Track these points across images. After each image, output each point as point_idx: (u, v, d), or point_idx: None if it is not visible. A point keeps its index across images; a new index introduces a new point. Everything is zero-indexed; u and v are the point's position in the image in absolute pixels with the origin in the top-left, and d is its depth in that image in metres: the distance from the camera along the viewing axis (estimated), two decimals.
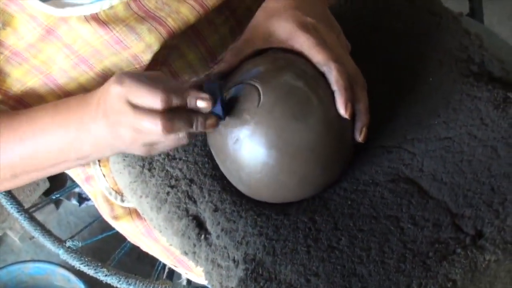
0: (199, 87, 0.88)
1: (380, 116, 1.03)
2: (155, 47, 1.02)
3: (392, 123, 1.03)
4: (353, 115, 0.92)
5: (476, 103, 1.02)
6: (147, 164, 1.03)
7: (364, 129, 0.94)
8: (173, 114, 0.85)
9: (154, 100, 0.83)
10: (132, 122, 0.85)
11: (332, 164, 0.93)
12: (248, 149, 0.90)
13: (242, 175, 0.93)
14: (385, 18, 1.14)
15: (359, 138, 0.94)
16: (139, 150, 0.89)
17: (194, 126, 0.86)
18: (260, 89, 0.90)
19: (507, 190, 0.93)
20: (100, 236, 1.41)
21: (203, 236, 0.96)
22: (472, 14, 1.42)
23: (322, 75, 0.92)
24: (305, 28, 0.93)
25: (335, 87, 0.91)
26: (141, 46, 1.01)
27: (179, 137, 0.87)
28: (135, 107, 0.84)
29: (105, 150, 0.94)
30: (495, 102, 1.01)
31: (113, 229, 1.27)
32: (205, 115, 0.87)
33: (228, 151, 0.91)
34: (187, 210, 0.99)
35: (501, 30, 2.23)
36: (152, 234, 1.18)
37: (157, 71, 0.98)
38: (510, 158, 0.96)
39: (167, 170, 1.02)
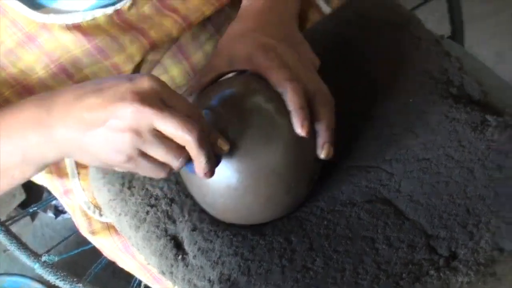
0: None
1: (359, 135, 1.04)
2: (137, 58, 1.03)
3: (371, 143, 1.04)
4: (314, 133, 0.93)
5: (454, 125, 1.03)
6: (127, 182, 1.04)
7: (326, 145, 0.93)
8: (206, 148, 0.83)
9: (187, 137, 0.81)
10: (153, 146, 0.81)
11: (297, 184, 0.94)
12: None
13: (208, 200, 0.94)
14: (366, 38, 1.15)
15: (322, 155, 0.94)
16: (120, 168, 0.85)
17: (209, 160, 0.85)
18: (222, 114, 0.90)
19: (481, 212, 0.94)
20: (76, 251, 1.41)
21: (180, 256, 0.97)
22: (453, 36, 1.42)
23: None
24: (264, 49, 0.93)
25: (290, 107, 0.91)
26: (123, 56, 1.02)
27: (169, 165, 0.85)
28: (160, 134, 0.81)
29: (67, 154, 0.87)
30: (473, 124, 1.02)
31: (90, 243, 1.27)
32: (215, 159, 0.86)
33: (193, 176, 0.92)
34: (166, 230, 0.99)
35: (481, 51, 2.24)
36: (130, 250, 1.18)
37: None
38: (485, 180, 0.96)
39: (147, 189, 1.03)
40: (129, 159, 0.82)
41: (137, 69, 1.04)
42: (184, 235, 0.98)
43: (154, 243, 0.99)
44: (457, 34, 1.42)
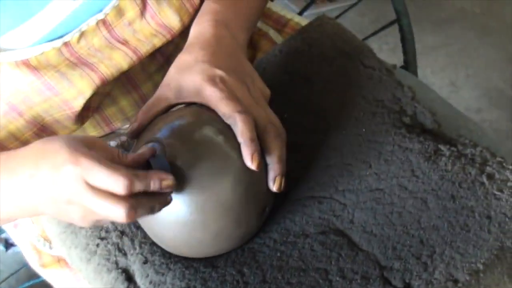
0: (143, 160, 0.85)
1: (312, 166, 1.03)
2: (87, 93, 1.01)
3: (324, 173, 1.03)
4: (264, 165, 0.92)
5: (407, 155, 1.03)
6: None
7: (277, 178, 0.92)
8: (136, 201, 0.80)
9: (116, 185, 0.78)
10: (90, 204, 0.80)
11: (248, 217, 0.92)
12: None
13: (157, 233, 0.92)
14: (317, 68, 1.15)
15: (273, 187, 0.93)
16: (84, 224, 0.85)
17: (154, 210, 0.82)
18: (171, 145, 0.89)
19: (435, 243, 0.93)
20: (27, 284, 1.38)
21: None
22: (406, 66, 1.43)
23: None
24: (212, 81, 0.91)
25: (240, 139, 0.89)
26: (73, 92, 1.00)
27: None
28: (94, 189, 0.79)
29: (35, 212, 0.89)
30: (426, 154, 1.02)
31: (40, 276, 1.24)
32: (164, 197, 0.84)
33: None
34: (116, 263, 0.97)
35: (434, 81, 2.28)
36: (82, 282, 1.15)
37: (92, 136, 0.96)
38: (439, 210, 0.96)
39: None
40: (82, 216, 0.84)
41: (87, 102, 1.02)
42: (136, 268, 0.96)
43: (105, 275, 0.97)
44: (410, 64, 1.42)
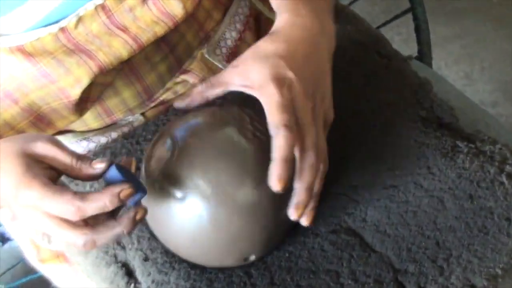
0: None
1: None
2: (85, 81, 0.96)
3: (337, 168, 0.98)
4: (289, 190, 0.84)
5: (423, 150, 0.98)
6: None
7: (299, 206, 0.84)
8: (94, 229, 0.76)
9: (66, 214, 0.75)
10: (49, 231, 0.77)
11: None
12: (181, 214, 0.84)
13: (173, 241, 0.88)
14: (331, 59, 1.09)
15: (292, 215, 0.84)
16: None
17: (123, 231, 0.78)
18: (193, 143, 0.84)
19: (452, 245, 0.89)
20: (24, 279, 1.34)
21: (132, 285, 0.90)
22: (420, 57, 1.38)
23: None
24: (279, 82, 0.83)
25: (273, 154, 0.80)
26: (70, 80, 0.95)
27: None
28: (53, 216, 0.76)
29: None
30: (443, 150, 0.97)
31: (38, 272, 1.19)
32: (131, 213, 0.78)
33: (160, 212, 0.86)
34: (115, 256, 0.93)
35: (448, 74, 2.22)
36: (80, 278, 1.11)
37: (48, 138, 0.89)
38: (456, 210, 0.92)
39: None
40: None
41: (86, 92, 0.97)
42: (136, 264, 0.92)
43: (104, 269, 0.92)
44: (424, 54, 1.37)
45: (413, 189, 0.95)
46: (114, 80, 1.02)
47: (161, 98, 1.08)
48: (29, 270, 1.26)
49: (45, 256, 1.14)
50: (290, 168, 0.82)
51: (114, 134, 1.07)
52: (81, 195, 0.75)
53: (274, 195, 0.82)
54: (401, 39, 2.24)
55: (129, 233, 0.79)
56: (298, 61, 0.86)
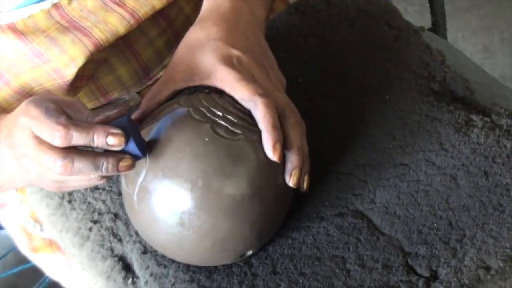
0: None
1: (330, 137, 0.95)
2: (80, 60, 0.92)
3: (343, 145, 0.95)
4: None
5: (435, 126, 0.94)
6: (66, 195, 0.94)
7: (295, 171, 0.81)
8: (74, 153, 0.74)
9: (52, 135, 0.73)
10: (34, 156, 0.76)
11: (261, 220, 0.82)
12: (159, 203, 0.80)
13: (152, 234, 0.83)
14: (337, 29, 1.06)
15: (290, 182, 0.81)
16: (48, 186, 0.80)
17: (101, 169, 0.75)
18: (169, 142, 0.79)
19: (466, 225, 0.84)
20: (15, 270, 1.32)
21: (130, 280, 0.87)
22: (434, 29, 1.33)
23: (248, 114, 0.82)
24: (228, 61, 0.82)
25: (261, 125, 0.79)
26: (64, 59, 0.92)
27: (89, 178, 0.77)
28: (38, 140, 0.75)
29: (16, 181, 0.84)
30: (456, 125, 0.93)
31: (30, 261, 1.17)
32: (118, 156, 0.75)
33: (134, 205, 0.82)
34: (112, 249, 0.90)
35: (466, 47, 2.14)
36: (75, 268, 1.08)
37: (73, 98, 0.88)
38: (470, 188, 0.87)
39: (89, 202, 0.93)
40: (59, 187, 0.81)
41: (81, 69, 0.93)
42: (134, 258, 0.88)
43: (100, 263, 0.89)
44: (438, 26, 1.32)
45: (424, 166, 0.90)
46: (108, 57, 0.99)
47: (158, 76, 1.04)
48: (22, 260, 1.23)
49: (37, 244, 1.11)
50: (281, 134, 0.80)
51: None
52: (74, 123, 0.74)
53: (256, 188, 0.79)
54: (415, 10, 2.18)
55: (106, 179, 0.78)
56: (235, 38, 0.85)
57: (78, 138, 0.73)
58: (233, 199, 0.78)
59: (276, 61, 0.89)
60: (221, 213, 0.79)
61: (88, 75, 0.97)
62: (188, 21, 1.03)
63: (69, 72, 0.93)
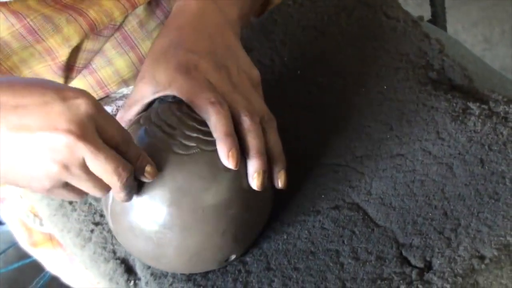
0: None
1: (326, 129, 0.95)
2: (74, 41, 0.92)
3: (340, 137, 0.95)
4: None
5: (432, 115, 0.94)
6: None
7: (256, 175, 0.81)
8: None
9: (115, 180, 0.74)
10: (85, 156, 0.71)
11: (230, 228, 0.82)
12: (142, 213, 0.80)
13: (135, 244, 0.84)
14: (335, 21, 1.06)
15: (254, 185, 0.80)
16: (40, 181, 0.73)
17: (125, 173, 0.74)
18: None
19: (461, 214, 0.84)
20: (16, 265, 1.32)
21: (132, 282, 0.88)
22: (434, 20, 1.31)
23: (205, 123, 0.81)
24: (184, 69, 0.81)
25: (215, 134, 0.78)
26: (58, 38, 0.92)
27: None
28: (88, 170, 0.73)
29: None
30: (453, 113, 0.93)
31: (31, 256, 1.18)
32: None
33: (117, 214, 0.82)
34: (114, 252, 0.91)
35: (466, 38, 2.12)
36: (76, 263, 1.08)
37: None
38: (466, 177, 0.87)
39: (90, 203, 0.94)
40: (50, 189, 0.74)
41: (73, 57, 0.94)
42: (136, 259, 0.89)
43: (102, 265, 0.90)
44: (438, 17, 1.31)
45: (421, 156, 0.90)
46: (107, 49, 0.99)
47: None
48: (22, 255, 1.23)
49: (37, 239, 1.12)
50: (235, 140, 0.79)
51: (108, 108, 1.02)
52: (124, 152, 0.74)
53: (218, 198, 0.79)
54: (415, 2, 2.15)
55: (129, 192, 0.76)
56: (195, 42, 0.84)
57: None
58: (195, 214, 0.78)
59: (246, 57, 0.87)
60: (187, 229, 0.79)
61: (79, 66, 0.97)
62: None
63: (62, 53, 0.93)
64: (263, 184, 0.81)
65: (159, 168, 0.78)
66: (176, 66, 0.82)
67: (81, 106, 0.71)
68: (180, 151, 0.79)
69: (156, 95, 0.84)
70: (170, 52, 0.84)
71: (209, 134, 0.80)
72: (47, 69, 0.95)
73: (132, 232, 0.81)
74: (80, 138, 0.70)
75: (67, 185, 0.74)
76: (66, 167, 0.71)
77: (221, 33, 0.87)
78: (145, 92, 0.84)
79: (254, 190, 0.81)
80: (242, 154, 0.80)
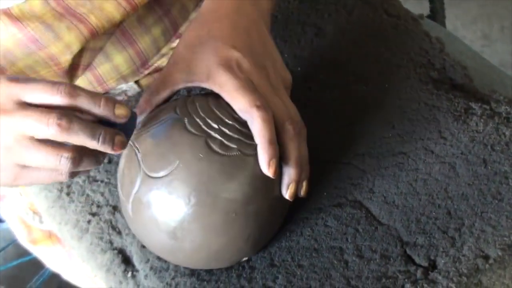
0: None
1: (328, 127, 0.95)
2: (75, 47, 0.91)
3: (342, 135, 0.94)
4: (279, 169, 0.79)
5: (434, 114, 0.93)
6: (65, 187, 0.94)
7: (291, 185, 0.79)
8: (73, 115, 0.69)
9: (54, 92, 0.69)
10: (15, 122, 0.69)
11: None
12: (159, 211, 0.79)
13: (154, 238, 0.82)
14: (336, 18, 1.05)
15: (286, 195, 0.80)
16: (5, 170, 0.73)
17: (98, 138, 0.70)
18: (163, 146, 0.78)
19: (464, 214, 0.84)
20: (15, 262, 1.31)
21: (130, 273, 0.87)
22: (433, 16, 1.31)
23: (245, 125, 0.79)
24: (227, 65, 0.78)
25: (257, 139, 0.77)
26: (60, 45, 0.91)
27: (58, 169, 0.72)
28: (26, 104, 0.70)
29: None
30: (455, 113, 0.93)
31: (30, 254, 1.17)
32: (115, 130, 0.71)
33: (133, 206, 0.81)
34: (111, 242, 0.89)
35: (465, 34, 2.13)
36: (75, 260, 1.07)
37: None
38: (469, 176, 0.87)
39: (87, 195, 0.93)
40: (15, 176, 0.72)
41: (77, 58, 0.93)
42: (133, 250, 0.88)
43: (99, 256, 0.89)
44: (437, 13, 1.31)
45: (423, 155, 0.90)
46: (104, 45, 0.98)
47: (155, 65, 1.03)
48: (22, 253, 1.22)
49: (37, 236, 1.11)
50: (277, 149, 0.78)
51: None
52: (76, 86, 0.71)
53: (251, 203, 0.78)
54: None
55: (73, 176, 0.73)
56: (236, 37, 0.82)
57: (84, 99, 0.70)
58: (226, 216, 0.77)
59: (280, 58, 0.85)
60: (214, 229, 0.78)
61: (84, 64, 0.96)
62: (185, 9, 1.03)
63: (65, 59, 0.92)
64: (295, 194, 0.81)
65: (195, 166, 0.77)
66: (218, 61, 0.79)
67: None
68: (221, 151, 0.77)
69: (189, 84, 0.82)
70: (209, 43, 0.81)
71: (250, 137, 0.78)
72: (52, 74, 0.94)
73: (155, 224, 0.79)
74: (12, 80, 0.70)
75: (27, 168, 0.72)
76: (7, 148, 0.70)
77: (257, 28, 0.84)
78: (177, 79, 0.82)
79: (283, 198, 0.81)
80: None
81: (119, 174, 0.83)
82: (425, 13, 1.15)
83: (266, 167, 0.77)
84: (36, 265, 1.21)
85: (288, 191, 0.80)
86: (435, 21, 1.29)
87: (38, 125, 0.69)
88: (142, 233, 0.83)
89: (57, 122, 0.69)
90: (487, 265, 0.81)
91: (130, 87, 1.03)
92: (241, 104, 0.78)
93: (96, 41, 0.94)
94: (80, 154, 0.72)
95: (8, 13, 0.88)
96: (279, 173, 0.79)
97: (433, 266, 0.81)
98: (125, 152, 0.81)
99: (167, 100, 0.84)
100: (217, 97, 0.80)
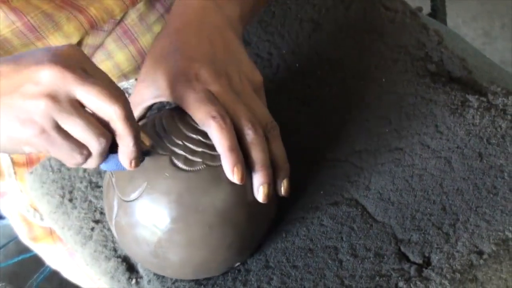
0: None
1: (326, 123, 0.95)
2: (74, 38, 0.92)
3: (339, 131, 0.95)
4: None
5: (431, 108, 0.93)
6: (67, 193, 0.95)
7: (262, 187, 0.79)
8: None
9: (109, 110, 0.68)
10: (63, 116, 0.67)
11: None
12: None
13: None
14: (333, 13, 1.05)
15: (259, 197, 0.79)
16: (28, 138, 0.68)
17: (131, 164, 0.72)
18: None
19: (459, 209, 0.85)
20: (16, 259, 1.32)
21: (134, 280, 0.88)
22: (434, 14, 1.30)
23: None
24: (184, 77, 0.78)
25: (218, 149, 0.77)
26: (59, 36, 0.92)
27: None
28: (80, 105, 0.68)
29: None
30: (452, 106, 0.93)
31: (31, 251, 1.18)
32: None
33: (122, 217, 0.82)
34: (115, 250, 0.91)
35: (466, 32, 2.10)
36: (76, 258, 1.08)
37: None
38: (464, 171, 0.87)
39: (90, 201, 0.94)
40: (41, 132, 0.67)
41: None
42: None
43: (103, 263, 0.90)
44: (438, 10, 1.29)
45: (419, 150, 0.90)
46: (106, 42, 0.99)
47: None
48: (23, 249, 1.22)
49: (38, 233, 1.12)
50: (239, 155, 0.78)
51: None
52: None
53: (225, 214, 0.78)
54: None
55: (139, 158, 0.73)
56: (196, 47, 0.81)
57: (128, 130, 0.70)
58: (202, 229, 0.78)
59: (247, 60, 0.84)
60: (193, 244, 0.79)
61: None
62: None
63: None
64: (268, 196, 0.80)
65: (163, 186, 0.77)
66: (176, 73, 0.80)
67: (65, 47, 0.69)
68: (186, 167, 0.78)
69: (157, 100, 0.82)
70: (170, 55, 0.81)
71: (214, 148, 0.78)
72: None
73: (137, 245, 0.81)
74: (65, 67, 0.66)
75: (59, 130, 0.68)
76: (54, 99, 0.66)
77: (221, 35, 0.84)
78: (145, 96, 0.82)
79: (259, 202, 0.81)
80: (247, 166, 0.79)
81: (103, 198, 0.85)
82: (426, 11, 1.14)
83: (231, 174, 0.77)
84: (37, 262, 1.21)
85: (260, 194, 0.80)
86: (435, 19, 1.28)
87: (86, 136, 0.68)
88: (130, 253, 0.85)
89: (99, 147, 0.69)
90: (481, 261, 0.81)
91: (131, 85, 1.04)
92: (198, 116, 0.78)
93: (95, 37, 0.95)
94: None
95: (6, 3, 0.89)
96: (249, 177, 0.79)
97: (427, 263, 0.82)
98: (105, 177, 0.82)
99: (143, 117, 0.85)
100: (182, 110, 0.81)
